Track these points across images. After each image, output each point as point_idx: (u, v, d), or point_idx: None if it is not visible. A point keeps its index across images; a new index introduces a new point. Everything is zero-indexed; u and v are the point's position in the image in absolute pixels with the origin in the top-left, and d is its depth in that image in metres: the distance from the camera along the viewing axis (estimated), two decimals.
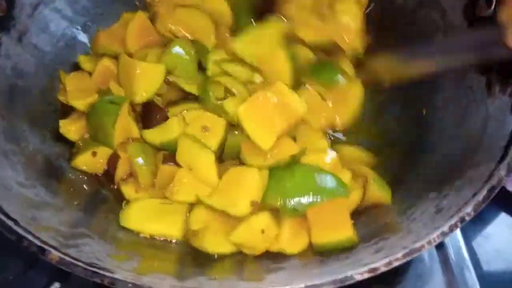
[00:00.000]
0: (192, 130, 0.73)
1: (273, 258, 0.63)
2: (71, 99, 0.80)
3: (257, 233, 0.65)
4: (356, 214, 0.69)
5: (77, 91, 0.82)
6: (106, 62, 0.83)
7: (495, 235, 0.90)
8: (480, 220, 0.91)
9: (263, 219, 0.65)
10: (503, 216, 0.93)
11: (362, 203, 0.71)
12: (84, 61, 0.87)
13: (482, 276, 0.80)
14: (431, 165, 0.71)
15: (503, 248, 0.88)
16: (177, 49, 0.81)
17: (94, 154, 0.74)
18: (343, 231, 0.63)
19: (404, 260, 0.47)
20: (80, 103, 0.79)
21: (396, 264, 0.47)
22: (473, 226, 0.91)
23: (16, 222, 0.51)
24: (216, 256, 0.65)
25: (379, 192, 0.71)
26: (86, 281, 0.48)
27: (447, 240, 0.81)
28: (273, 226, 0.66)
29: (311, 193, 0.66)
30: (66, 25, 0.88)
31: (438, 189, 0.62)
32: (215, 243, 0.65)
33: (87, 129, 0.79)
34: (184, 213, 0.69)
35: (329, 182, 0.67)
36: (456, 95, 0.74)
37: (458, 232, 0.83)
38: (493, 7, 0.71)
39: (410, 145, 0.78)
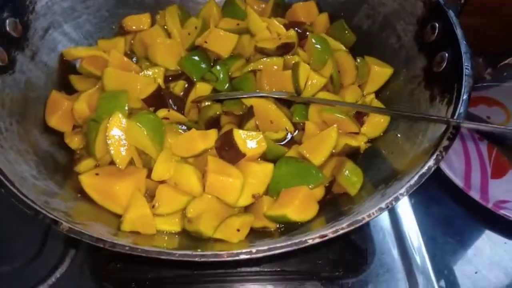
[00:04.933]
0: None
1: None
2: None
3: (234, 231, 0.76)
4: (323, 204, 0.82)
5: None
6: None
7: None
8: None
9: (239, 221, 0.77)
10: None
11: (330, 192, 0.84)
12: (75, 81, 0.99)
13: None
14: (383, 166, 0.83)
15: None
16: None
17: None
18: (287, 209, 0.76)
19: (348, 229, 0.59)
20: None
21: (341, 232, 0.58)
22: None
23: (33, 201, 0.62)
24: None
25: (347, 184, 0.82)
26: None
27: None
28: (246, 226, 0.78)
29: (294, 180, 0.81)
30: (72, 47, 1.01)
31: (385, 182, 0.74)
32: (209, 226, 0.76)
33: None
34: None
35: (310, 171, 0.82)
36: (408, 107, 0.88)
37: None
38: (435, 34, 0.86)
39: (367, 152, 0.91)
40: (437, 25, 0.86)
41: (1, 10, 0.83)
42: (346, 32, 1.07)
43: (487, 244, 1.06)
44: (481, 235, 1.08)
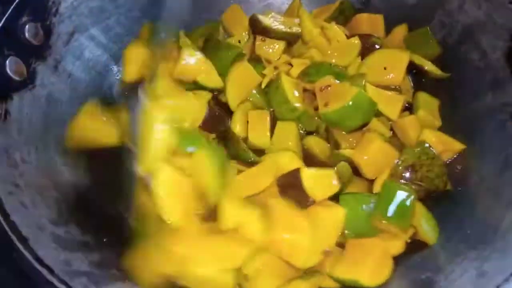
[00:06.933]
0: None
1: None
2: None
3: None
4: (396, 262, 0.67)
5: None
6: None
7: None
8: None
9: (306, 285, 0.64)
10: None
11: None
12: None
13: None
14: (471, 219, 0.68)
15: None
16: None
17: None
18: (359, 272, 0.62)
19: None
20: None
21: None
22: None
23: (51, 270, 0.50)
24: None
25: (425, 231, 0.69)
26: None
27: None
28: None
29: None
30: (99, 53, 0.89)
31: (478, 248, 0.59)
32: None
33: None
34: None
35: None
36: (498, 145, 0.72)
37: None
38: None
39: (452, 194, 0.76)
40: None
41: (19, 14, 0.71)
42: (430, 41, 0.89)
43: None
44: None
